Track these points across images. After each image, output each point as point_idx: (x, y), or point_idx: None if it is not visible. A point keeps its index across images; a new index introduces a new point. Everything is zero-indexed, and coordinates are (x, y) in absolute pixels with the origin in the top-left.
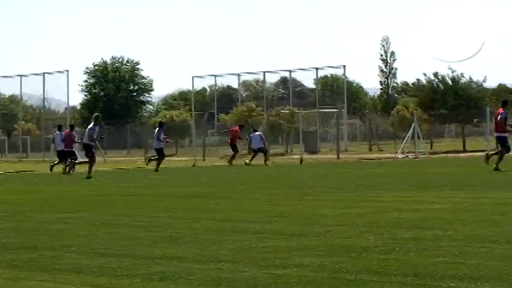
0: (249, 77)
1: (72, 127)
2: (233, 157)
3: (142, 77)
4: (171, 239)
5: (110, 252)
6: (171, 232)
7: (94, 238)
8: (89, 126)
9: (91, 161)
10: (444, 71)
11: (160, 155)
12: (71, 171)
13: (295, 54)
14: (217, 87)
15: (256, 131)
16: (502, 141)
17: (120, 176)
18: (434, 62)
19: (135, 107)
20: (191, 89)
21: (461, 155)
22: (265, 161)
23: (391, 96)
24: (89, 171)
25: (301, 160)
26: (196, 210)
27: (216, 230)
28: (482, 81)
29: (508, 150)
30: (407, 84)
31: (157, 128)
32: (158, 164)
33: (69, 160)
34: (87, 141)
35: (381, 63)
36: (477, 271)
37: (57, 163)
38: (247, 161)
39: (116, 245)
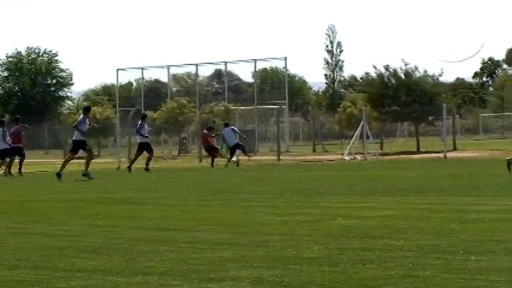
0: (180, 70)
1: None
2: (213, 158)
3: (61, 70)
4: (94, 249)
5: (26, 264)
6: (94, 242)
7: (8, 248)
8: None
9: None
10: (396, 64)
11: (148, 150)
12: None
13: (232, 44)
14: (144, 81)
15: (228, 125)
16: None
17: (38, 179)
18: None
19: (53, 103)
20: (115, 83)
21: (415, 156)
22: (231, 158)
23: (338, 91)
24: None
25: (238, 162)
26: (122, 218)
27: (143, 239)
28: (439, 75)
29: None
30: (355, 78)
31: (140, 121)
32: (148, 162)
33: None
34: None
35: (326, 54)
36: (432, 285)
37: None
38: (234, 160)
39: (32, 256)
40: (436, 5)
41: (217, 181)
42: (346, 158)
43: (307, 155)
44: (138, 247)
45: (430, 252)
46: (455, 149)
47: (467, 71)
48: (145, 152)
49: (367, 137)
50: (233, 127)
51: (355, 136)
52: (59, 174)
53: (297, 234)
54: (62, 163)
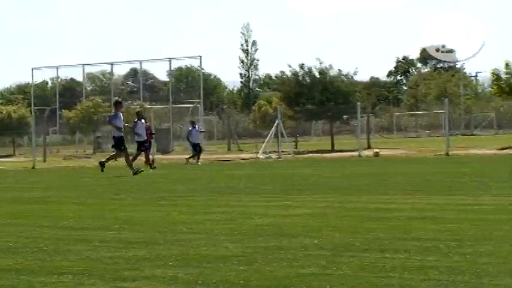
0: (95, 69)
1: None
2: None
3: None
4: (7, 248)
5: None
6: (7, 241)
7: None
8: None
9: None
10: (311, 63)
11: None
12: None
13: (147, 43)
14: (59, 80)
15: (195, 124)
16: None
17: None
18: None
19: None
20: (30, 81)
21: (329, 155)
22: (191, 158)
23: (253, 90)
24: None
25: (153, 161)
26: (36, 217)
27: (58, 238)
28: (353, 73)
29: None
30: (270, 77)
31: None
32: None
33: None
34: None
35: (241, 53)
36: (347, 283)
37: None
38: (195, 161)
39: None
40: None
41: (133, 180)
42: (261, 156)
43: (222, 153)
44: (54, 246)
45: (345, 251)
46: (369, 147)
47: (381, 70)
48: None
49: (282, 136)
50: (200, 127)
51: (269, 135)
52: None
53: (212, 233)
54: (128, 164)
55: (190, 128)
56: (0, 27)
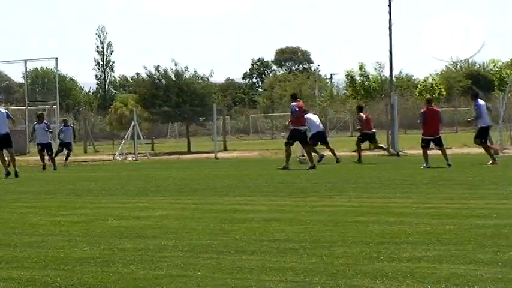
0: None
1: None
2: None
3: None
4: None
5: None
6: None
7: None
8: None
9: None
10: (167, 64)
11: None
12: None
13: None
14: None
15: (67, 123)
16: None
17: None
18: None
19: None
20: None
21: (186, 156)
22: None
23: (109, 92)
24: None
25: (9, 163)
26: None
27: None
28: (209, 75)
29: None
30: (126, 78)
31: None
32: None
33: None
34: None
35: (96, 55)
36: (204, 284)
37: None
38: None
39: None
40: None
41: None
42: (118, 158)
43: (78, 155)
44: None
45: (202, 252)
46: (225, 149)
47: (237, 71)
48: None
49: (139, 138)
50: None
51: (126, 136)
52: None
53: (69, 234)
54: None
55: (62, 127)
56: None
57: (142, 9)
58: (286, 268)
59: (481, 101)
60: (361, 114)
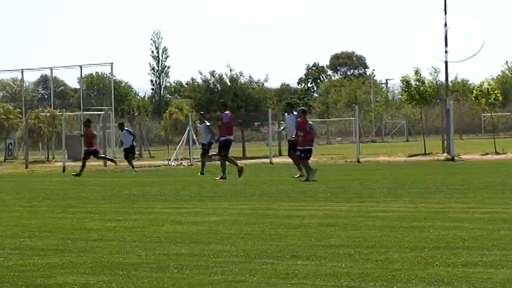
0: (5, 75)
1: None
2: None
3: None
4: None
5: None
6: None
7: None
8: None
9: None
10: (222, 69)
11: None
12: None
13: (57, 49)
14: None
15: (124, 127)
16: None
17: None
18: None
19: None
20: None
21: (239, 161)
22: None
23: (164, 97)
24: None
25: (64, 168)
26: None
27: None
28: (264, 80)
29: None
30: (181, 84)
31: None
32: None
33: None
34: None
35: (152, 60)
36: None
37: None
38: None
39: None
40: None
41: (44, 187)
42: (173, 163)
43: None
44: None
45: (257, 257)
46: (280, 154)
47: (292, 77)
48: None
49: (193, 143)
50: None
51: (181, 142)
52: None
53: (124, 240)
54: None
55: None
56: None
57: (198, 14)
58: (341, 273)
59: None
60: None
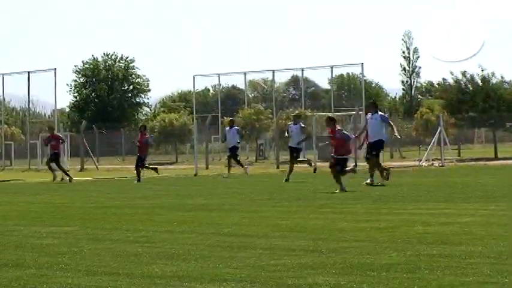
0: (257, 76)
1: None
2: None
3: (138, 76)
4: (171, 255)
5: (103, 270)
6: (171, 248)
7: (86, 255)
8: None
9: None
10: (473, 70)
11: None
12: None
13: (308, 51)
14: (221, 88)
15: (233, 125)
16: None
17: (115, 186)
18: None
19: (130, 110)
20: (192, 89)
21: (492, 162)
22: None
23: (415, 97)
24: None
25: (315, 169)
26: (199, 224)
27: (221, 245)
28: None
29: None
30: (432, 84)
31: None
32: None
33: None
34: None
35: (402, 60)
36: None
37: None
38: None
39: (110, 262)
40: None
41: (295, 187)
42: (424, 164)
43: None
44: (216, 253)
45: (509, 259)
46: None
47: None
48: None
49: (445, 143)
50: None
51: (432, 142)
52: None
53: (375, 240)
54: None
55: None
56: (163, 36)
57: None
58: None
59: None
60: None
